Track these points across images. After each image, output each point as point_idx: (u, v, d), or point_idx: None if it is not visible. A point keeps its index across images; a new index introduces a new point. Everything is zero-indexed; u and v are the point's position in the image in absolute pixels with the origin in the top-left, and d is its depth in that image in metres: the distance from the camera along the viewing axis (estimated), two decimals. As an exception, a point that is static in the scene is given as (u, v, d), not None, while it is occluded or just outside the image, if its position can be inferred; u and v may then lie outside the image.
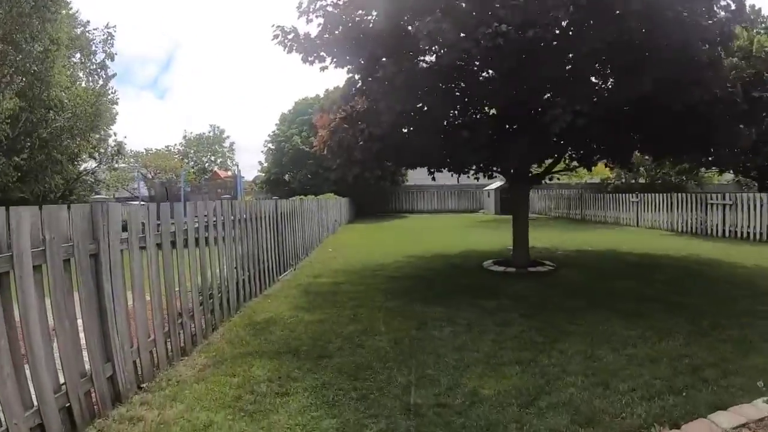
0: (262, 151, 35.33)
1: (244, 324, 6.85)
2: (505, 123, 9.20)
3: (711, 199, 18.08)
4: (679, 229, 19.40)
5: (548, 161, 11.73)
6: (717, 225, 17.58)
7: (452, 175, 11.76)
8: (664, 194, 20.85)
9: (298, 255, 12.39)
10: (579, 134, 7.92)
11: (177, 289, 5.74)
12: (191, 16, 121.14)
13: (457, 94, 8.96)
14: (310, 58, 9.17)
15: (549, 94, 8.52)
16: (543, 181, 11.21)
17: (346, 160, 9.59)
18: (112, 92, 26.12)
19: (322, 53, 9.11)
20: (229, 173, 35.11)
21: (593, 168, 26.30)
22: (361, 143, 8.74)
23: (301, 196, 19.16)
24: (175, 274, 5.72)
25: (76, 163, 24.80)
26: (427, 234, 20.31)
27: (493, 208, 33.88)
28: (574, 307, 7.53)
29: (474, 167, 11.18)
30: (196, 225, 6.25)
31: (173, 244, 5.65)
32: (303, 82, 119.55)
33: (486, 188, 35.74)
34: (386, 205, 37.31)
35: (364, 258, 12.93)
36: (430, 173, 11.61)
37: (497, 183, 34.01)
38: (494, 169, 11.37)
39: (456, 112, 9.40)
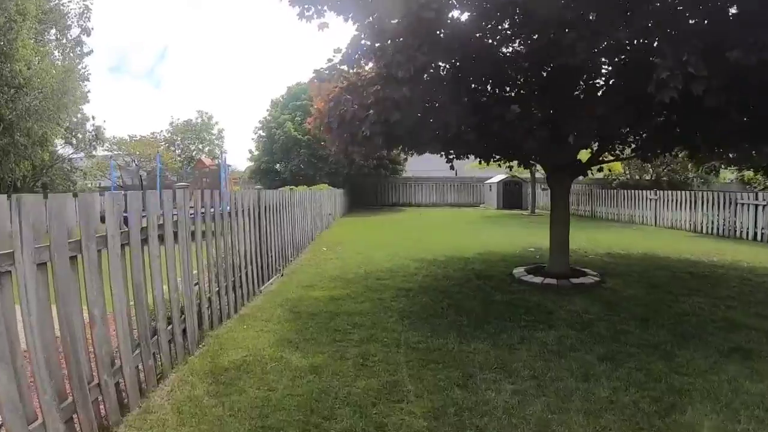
0: (252, 139, 32.60)
1: (206, 371, 4.63)
2: (566, 94, 6.97)
3: (741, 198, 16.24)
4: (704, 230, 17.46)
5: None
6: (747, 227, 15.69)
7: (479, 162, 9.52)
8: (688, 192, 18.99)
9: (287, 257, 10.20)
10: (691, 110, 5.71)
11: (88, 328, 3.54)
12: (181, 6, 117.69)
13: (500, 56, 6.72)
14: (307, 13, 6.99)
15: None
16: (589, 173, 9.07)
17: (348, 140, 7.37)
18: (83, 68, 23.65)
19: (321, 6, 6.91)
20: (216, 162, 32.52)
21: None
22: (370, 118, 6.50)
23: (292, 187, 16.84)
24: (84, 306, 3.50)
25: (45, 147, 22.22)
26: (432, 230, 18.03)
27: (496, 202, 31.69)
28: (660, 342, 5.45)
29: (508, 152, 8.99)
30: (123, 229, 4.00)
31: (74, 260, 3.40)
32: (298, 70, 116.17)
33: (488, 181, 33.51)
34: (382, 198, 35.11)
35: (365, 260, 10.77)
36: (449, 160, 9.38)
37: (500, 176, 31.91)
38: (535, 157, 9.16)
39: (496, 80, 7.20)
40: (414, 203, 35.33)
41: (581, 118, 6.38)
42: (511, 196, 31.50)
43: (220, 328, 5.89)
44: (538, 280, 8.46)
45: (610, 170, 26.84)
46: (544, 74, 7.10)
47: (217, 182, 21.72)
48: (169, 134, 39.92)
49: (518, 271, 9.17)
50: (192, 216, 5.39)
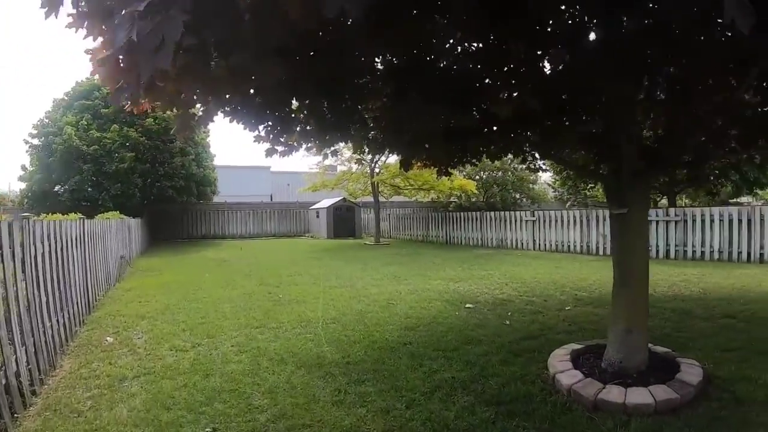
0: (26, 151, 22.43)
1: None
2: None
3: (650, 216, 13.93)
4: (600, 252, 15.17)
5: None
6: (658, 245, 13.90)
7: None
8: (579, 211, 16.50)
9: None
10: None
11: None
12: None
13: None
14: None
15: None
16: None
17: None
18: None
19: None
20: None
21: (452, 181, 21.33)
22: None
23: (27, 214, 9.58)
24: None
25: None
26: (283, 276, 11.56)
27: (326, 230, 26.39)
28: None
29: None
30: None
31: None
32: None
33: (314, 207, 28.23)
34: (191, 229, 27.34)
35: (208, 398, 4.31)
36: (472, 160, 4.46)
37: (329, 200, 26.97)
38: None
39: None
40: (229, 234, 28.17)
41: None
42: (343, 223, 26.63)
43: None
44: (617, 396, 3.62)
45: (453, 190, 23.48)
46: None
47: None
48: None
49: (564, 374, 4.08)
50: None
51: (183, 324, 6.76)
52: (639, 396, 3.65)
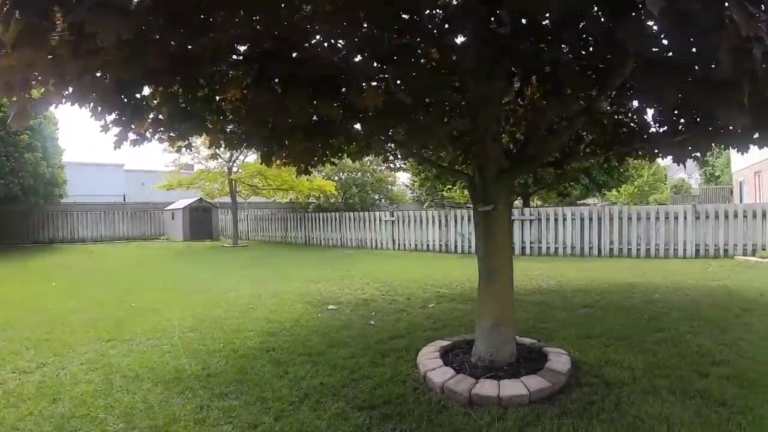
0: None
1: None
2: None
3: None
4: (458, 250, 15.72)
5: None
6: (514, 242, 14.13)
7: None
8: (437, 211, 17.12)
9: None
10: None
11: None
12: None
13: None
14: None
15: None
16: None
17: None
18: None
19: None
20: None
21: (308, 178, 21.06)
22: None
23: None
24: None
25: None
26: (144, 282, 10.51)
27: (182, 232, 24.78)
28: None
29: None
30: None
31: None
32: None
33: (168, 208, 26.44)
34: (36, 233, 23.93)
35: None
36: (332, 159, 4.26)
37: (185, 201, 25.47)
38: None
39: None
40: (78, 238, 25.01)
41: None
42: (200, 224, 25.21)
43: None
44: (490, 390, 3.60)
45: (312, 191, 23.29)
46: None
47: None
48: None
49: (435, 372, 3.96)
50: None
51: (26, 341, 5.75)
52: (512, 388, 3.63)
